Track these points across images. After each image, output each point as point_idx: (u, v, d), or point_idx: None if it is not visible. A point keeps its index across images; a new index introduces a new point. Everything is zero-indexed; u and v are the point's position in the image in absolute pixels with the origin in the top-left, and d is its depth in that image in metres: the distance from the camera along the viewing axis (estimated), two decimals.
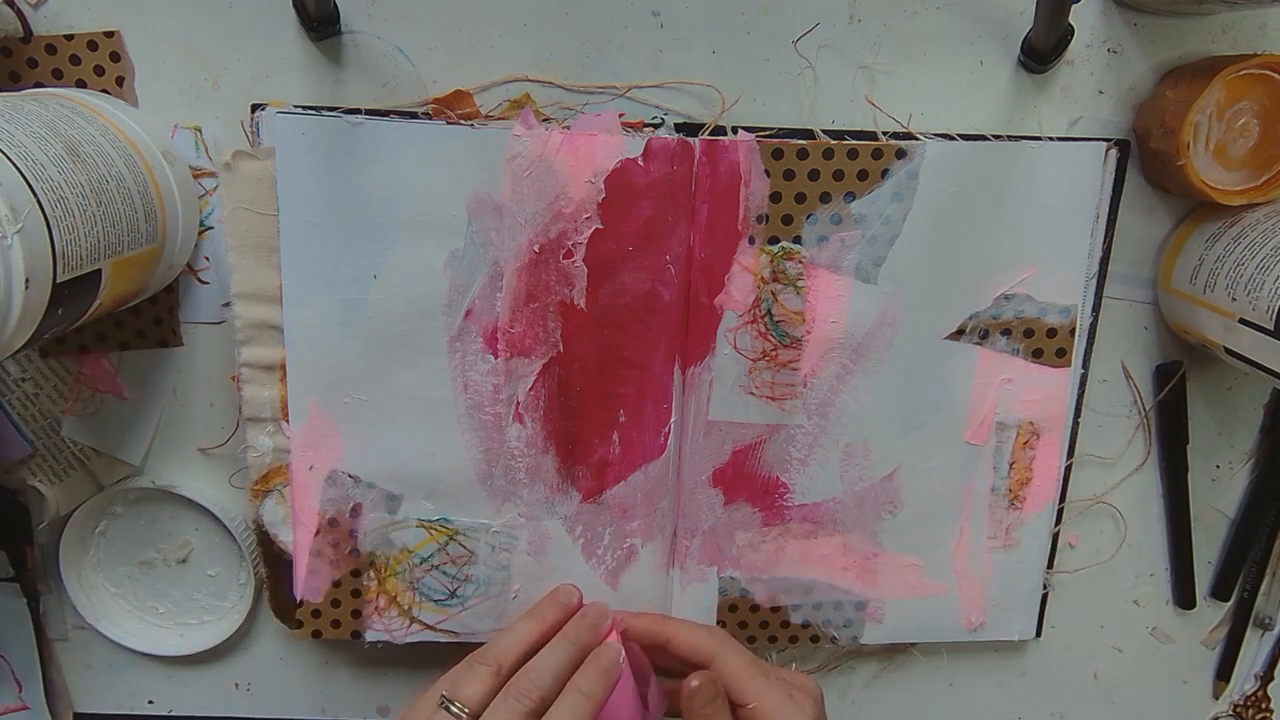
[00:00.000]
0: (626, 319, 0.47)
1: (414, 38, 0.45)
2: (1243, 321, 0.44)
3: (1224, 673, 0.58)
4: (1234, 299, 0.45)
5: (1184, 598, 0.56)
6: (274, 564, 0.51)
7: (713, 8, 0.45)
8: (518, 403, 0.48)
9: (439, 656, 0.51)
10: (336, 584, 0.50)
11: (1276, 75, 0.44)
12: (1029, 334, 0.49)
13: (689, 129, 0.46)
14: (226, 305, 0.48)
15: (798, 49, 0.46)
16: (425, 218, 0.45)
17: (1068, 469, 0.52)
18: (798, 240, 0.47)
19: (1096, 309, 0.50)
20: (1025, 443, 0.51)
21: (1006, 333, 0.49)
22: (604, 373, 0.47)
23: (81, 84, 0.45)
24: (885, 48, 0.46)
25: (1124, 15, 0.47)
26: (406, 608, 0.51)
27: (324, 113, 0.44)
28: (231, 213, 0.45)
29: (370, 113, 0.45)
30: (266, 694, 0.56)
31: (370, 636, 0.51)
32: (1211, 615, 0.57)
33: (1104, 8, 0.46)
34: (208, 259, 0.48)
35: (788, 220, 0.46)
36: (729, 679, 0.43)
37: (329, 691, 0.56)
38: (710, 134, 0.46)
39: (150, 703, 0.56)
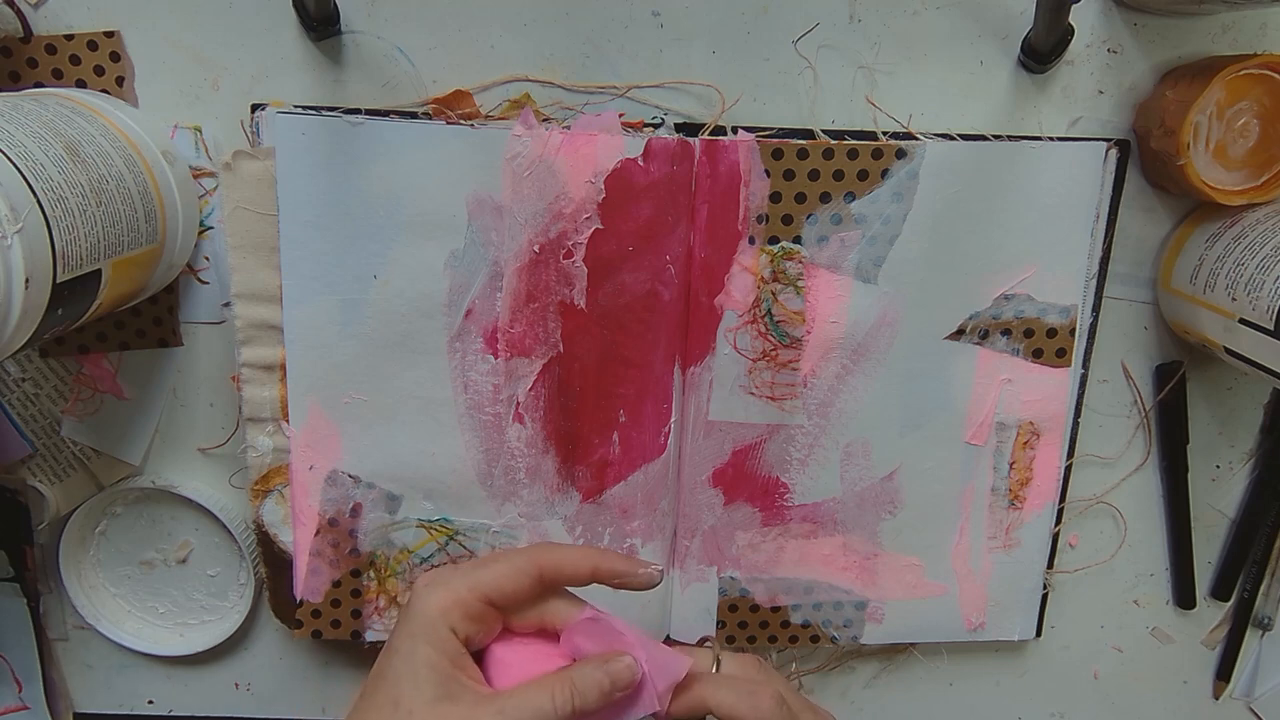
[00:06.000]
0: (626, 319, 0.47)
1: (414, 38, 0.45)
2: (1243, 321, 0.44)
3: (1224, 673, 0.58)
4: (1234, 299, 0.45)
5: (1184, 598, 0.56)
6: (274, 564, 0.51)
7: (713, 8, 0.45)
8: (518, 403, 0.48)
9: None
10: (336, 584, 0.50)
11: (1276, 75, 0.44)
12: (1029, 334, 0.49)
13: (689, 129, 0.46)
14: (226, 305, 0.48)
15: (798, 49, 0.46)
16: (425, 218, 0.45)
17: (1068, 469, 0.52)
18: (798, 240, 0.47)
19: (1096, 309, 0.50)
20: (1025, 443, 0.51)
21: (1006, 333, 0.49)
22: (604, 373, 0.47)
23: (81, 84, 0.45)
24: (885, 48, 0.46)
25: (1124, 15, 0.47)
26: None
27: (324, 113, 0.44)
28: (231, 213, 0.45)
29: (370, 113, 0.45)
30: (266, 694, 0.56)
31: (370, 636, 0.51)
32: (1211, 615, 0.57)
33: (1104, 8, 0.46)
34: (208, 259, 0.48)
35: (788, 220, 0.46)
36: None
37: (329, 691, 0.56)
38: (710, 134, 0.46)
39: (150, 703, 0.56)
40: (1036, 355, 0.50)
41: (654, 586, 0.40)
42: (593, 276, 0.46)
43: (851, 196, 0.46)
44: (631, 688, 0.37)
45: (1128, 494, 0.54)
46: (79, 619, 0.53)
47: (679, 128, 0.46)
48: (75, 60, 0.45)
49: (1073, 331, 0.49)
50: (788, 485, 0.51)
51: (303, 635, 0.51)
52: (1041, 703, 0.58)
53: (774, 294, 0.47)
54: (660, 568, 0.39)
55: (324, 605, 0.51)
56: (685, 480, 0.50)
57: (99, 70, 0.45)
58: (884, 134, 0.47)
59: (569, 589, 0.40)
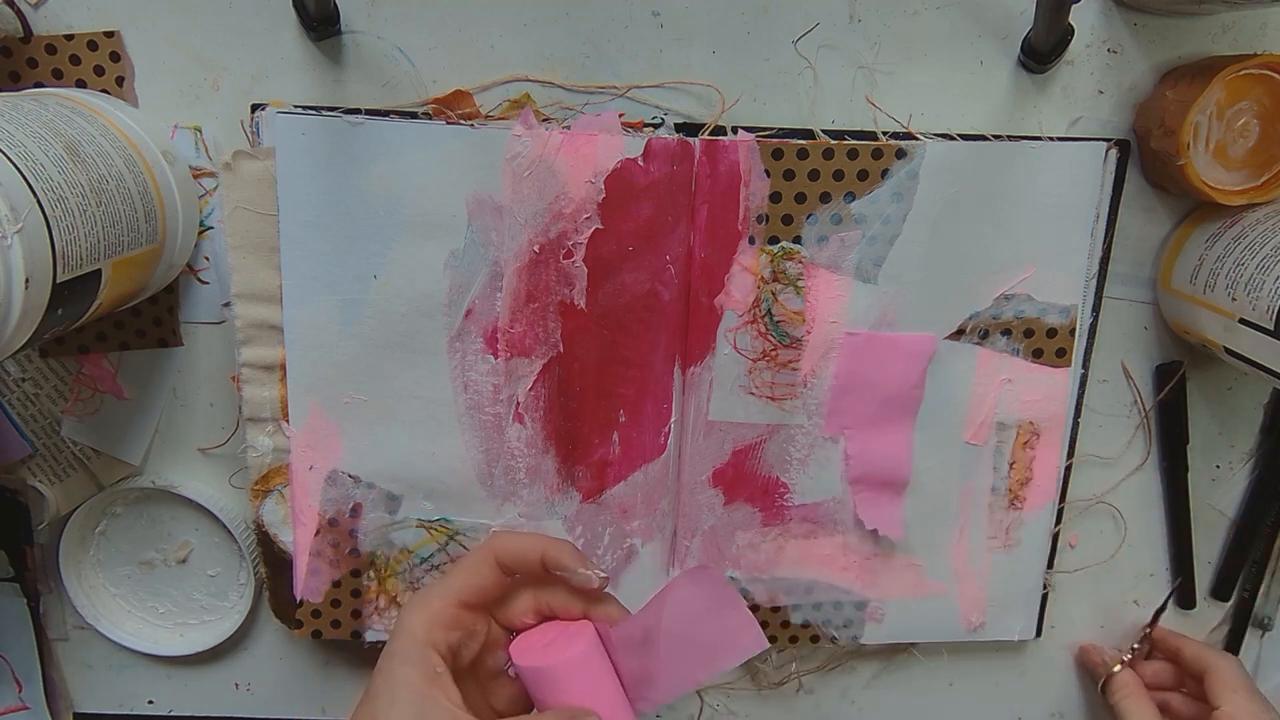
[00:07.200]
0: (626, 319, 0.47)
1: (414, 38, 0.45)
2: (1243, 321, 0.44)
3: None
4: (1234, 299, 0.45)
5: (1184, 598, 0.56)
6: (274, 564, 0.51)
7: (713, 8, 0.45)
8: (518, 403, 0.48)
9: None
10: (336, 584, 0.51)
11: (1276, 75, 0.44)
12: (1029, 334, 0.49)
13: (689, 129, 0.46)
14: (226, 305, 0.48)
15: (798, 49, 0.46)
16: (425, 218, 0.45)
17: (1068, 469, 0.52)
18: (798, 240, 0.47)
19: (1096, 309, 0.50)
20: (1025, 443, 0.51)
21: (1006, 333, 0.49)
22: (604, 373, 0.47)
23: (81, 84, 0.45)
24: (885, 48, 0.46)
25: (1124, 15, 0.47)
26: None
27: (324, 113, 0.44)
28: (231, 213, 0.45)
29: (370, 113, 0.45)
30: (266, 694, 0.56)
31: (370, 636, 0.51)
32: (1211, 615, 0.57)
33: (1104, 8, 0.47)
34: (208, 259, 0.48)
35: (788, 220, 0.46)
36: (1219, 688, 0.49)
37: (329, 691, 0.56)
38: (710, 134, 0.46)
39: (150, 703, 0.56)
40: (1036, 355, 0.50)
41: (593, 589, 0.41)
42: (593, 276, 0.46)
43: (851, 196, 0.46)
44: None
45: (1128, 494, 0.54)
46: (79, 619, 0.53)
47: (679, 128, 0.46)
48: (75, 60, 0.45)
49: (1073, 331, 0.49)
50: (788, 485, 0.51)
51: (303, 635, 0.51)
52: (1041, 703, 0.58)
53: (774, 294, 0.47)
54: (606, 575, 0.41)
55: (324, 605, 0.51)
56: (685, 480, 0.50)
57: (99, 70, 0.45)
58: (884, 134, 0.47)
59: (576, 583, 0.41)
